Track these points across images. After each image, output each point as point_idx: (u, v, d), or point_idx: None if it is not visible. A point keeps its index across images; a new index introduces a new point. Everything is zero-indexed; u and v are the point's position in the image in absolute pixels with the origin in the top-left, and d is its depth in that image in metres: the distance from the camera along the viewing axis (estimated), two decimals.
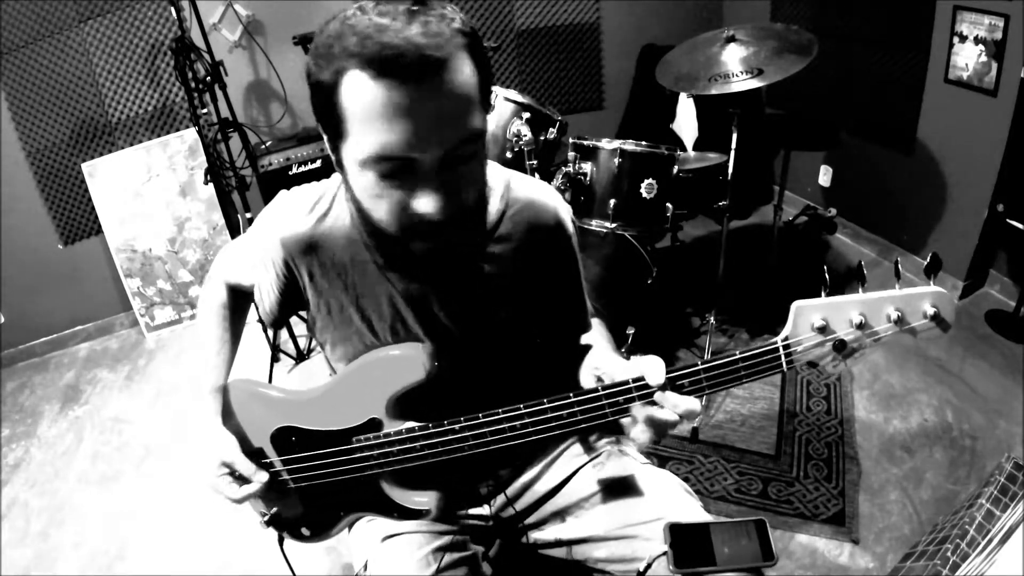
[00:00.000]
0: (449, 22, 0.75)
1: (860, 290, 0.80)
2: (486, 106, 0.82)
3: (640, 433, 0.89)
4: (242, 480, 1.06)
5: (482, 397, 0.97)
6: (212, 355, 1.12)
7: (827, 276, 0.83)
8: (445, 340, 1.02)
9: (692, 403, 0.85)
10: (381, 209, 0.82)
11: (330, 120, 0.79)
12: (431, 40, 0.72)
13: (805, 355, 0.82)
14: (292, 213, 0.98)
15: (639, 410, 0.87)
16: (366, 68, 0.72)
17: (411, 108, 0.73)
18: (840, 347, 0.81)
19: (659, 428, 0.87)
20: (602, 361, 0.97)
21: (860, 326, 0.79)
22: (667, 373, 0.85)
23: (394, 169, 0.77)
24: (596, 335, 1.16)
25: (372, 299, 0.99)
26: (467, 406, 0.96)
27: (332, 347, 1.06)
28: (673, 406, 0.85)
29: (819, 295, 0.81)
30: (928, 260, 0.79)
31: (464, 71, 0.76)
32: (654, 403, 0.86)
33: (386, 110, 0.73)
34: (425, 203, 0.78)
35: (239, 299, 1.16)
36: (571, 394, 0.90)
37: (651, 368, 0.85)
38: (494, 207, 0.99)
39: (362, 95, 0.73)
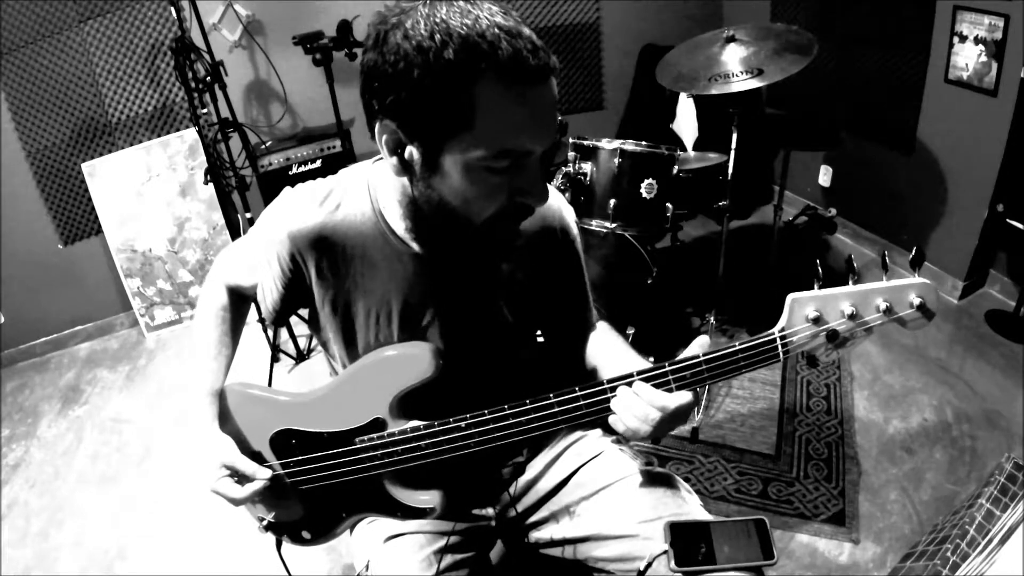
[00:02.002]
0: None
1: (851, 283, 0.85)
2: None
3: (621, 425, 0.92)
4: (244, 480, 1.05)
5: (486, 395, 0.97)
6: (210, 359, 1.12)
7: (820, 269, 0.88)
8: (453, 336, 1.02)
9: (664, 400, 0.89)
10: (478, 204, 0.84)
11: (444, 121, 0.77)
12: (540, 40, 0.77)
13: (800, 345, 0.86)
14: (301, 206, 0.97)
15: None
16: (507, 72, 0.74)
17: (540, 105, 0.78)
18: (833, 337, 0.85)
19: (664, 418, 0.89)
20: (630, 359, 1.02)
21: (851, 316, 0.84)
22: (669, 365, 0.89)
23: (509, 164, 0.80)
24: (614, 338, 1.16)
25: (381, 293, 0.99)
26: (471, 404, 0.96)
27: (334, 344, 1.06)
28: (645, 400, 0.89)
29: (812, 289, 0.85)
30: (912, 253, 0.84)
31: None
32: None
33: (522, 108, 0.77)
34: (532, 194, 0.85)
35: (239, 302, 1.16)
36: (577, 388, 0.91)
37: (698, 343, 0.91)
38: None
39: (501, 97, 0.75)
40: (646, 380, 0.90)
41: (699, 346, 0.91)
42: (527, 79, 0.75)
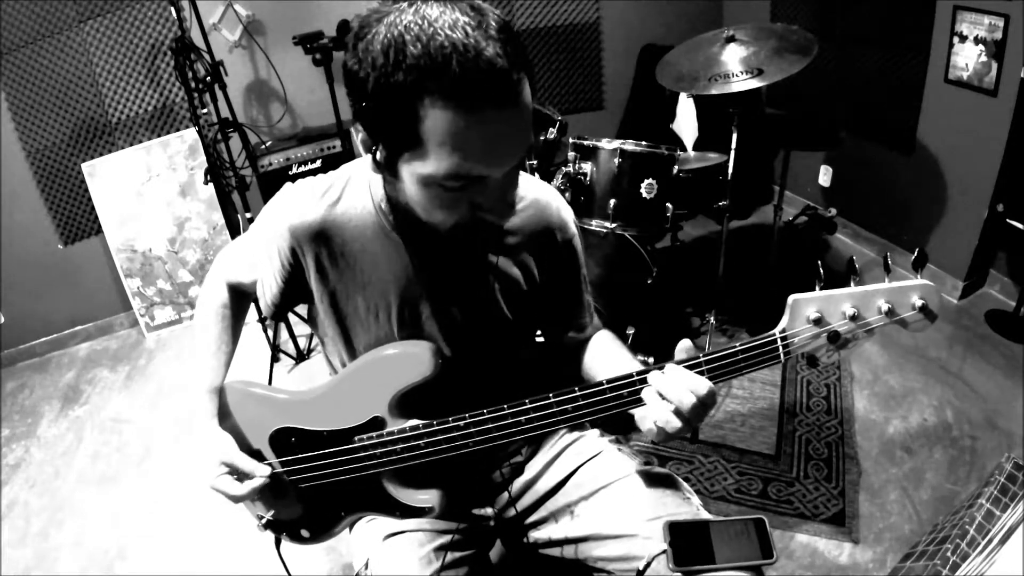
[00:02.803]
0: (513, 34, 0.73)
1: (853, 284, 0.84)
2: None
3: (653, 416, 0.87)
4: (243, 478, 1.05)
5: (485, 394, 0.97)
6: (210, 356, 1.12)
7: (821, 270, 0.87)
8: (452, 333, 1.02)
9: (698, 381, 0.86)
10: (438, 214, 0.84)
11: (394, 136, 0.77)
12: (509, 61, 0.71)
13: (802, 346, 0.86)
14: (302, 200, 0.97)
15: (649, 393, 0.88)
16: (453, 96, 0.70)
17: (494, 131, 0.74)
18: (834, 338, 0.85)
19: (671, 411, 0.86)
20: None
21: (853, 318, 0.84)
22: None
23: (463, 184, 0.78)
24: (615, 346, 1.16)
25: (380, 289, 0.99)
26: (470, 403, 0.96)
27: (334, 341, 1.06)
28: (679, 381, 0.86)
29: (815, 290, 0.85)
30: (915, 255, 0.84)
31: (528, 87, 0.76)
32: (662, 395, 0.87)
33: (472, 135, 0.73)
34: (492, 211, 0.83)
35: (239, 299, 1.16)
36: (576, 388, 0.90)
37: (682, 346, 0.90)
38: None
39: (447, 122, 0.72)
40: (642, 378, 0.89)
41: (683, 351, 0.90)
42: (478, 104, 0.71)
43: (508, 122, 0.74)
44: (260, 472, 1.05)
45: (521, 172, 1.05)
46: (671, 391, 0.86)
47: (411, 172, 0.79)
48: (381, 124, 0.77)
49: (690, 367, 0.87)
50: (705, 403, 0.86)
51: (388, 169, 0.82)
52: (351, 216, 0.96)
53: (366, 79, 0.73)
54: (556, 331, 1.17)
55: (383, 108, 0.75)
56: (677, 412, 0.86)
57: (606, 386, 0.90)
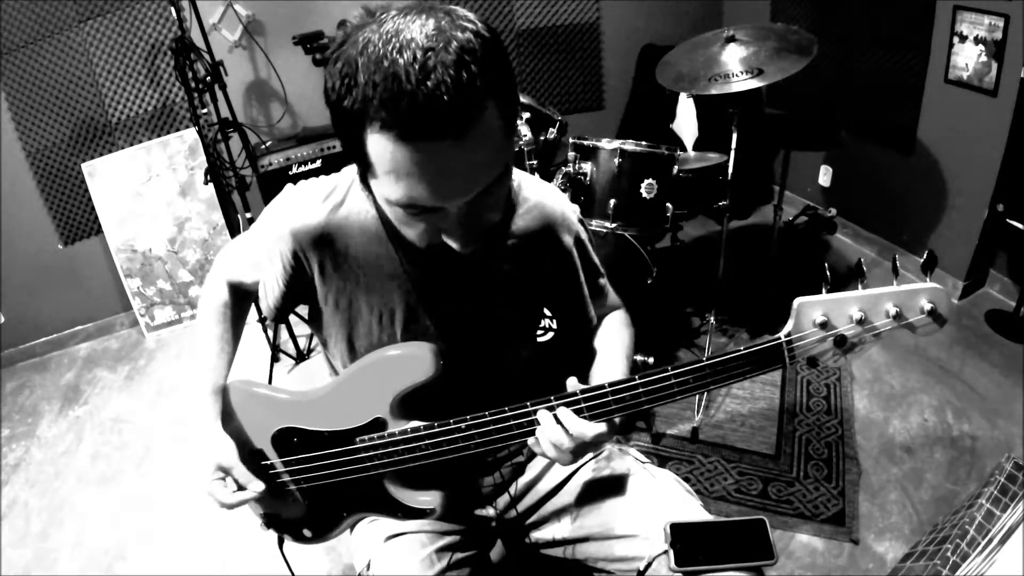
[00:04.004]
0: (478, 58, 0.68)
1: (860, 287, 0.82)
2: (511, 136, 0.79)
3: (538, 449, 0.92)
4: (237, 486, 1.05)
5: (488, 395, 0.97)
6: (212, 356, 1.11)
7: (828, 273, 0.84)
8: (455, 336, 1.02)
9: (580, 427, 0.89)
10: (408, 232, 0.83)
11: (354, 153, 0.76)
12: (458, 91, 0.66)
13: (807, 350, 0.84)
14: (304, 203, 0.97)
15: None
16: (392, 127, 0.68)
17: (436, 165, 0.70)
18: (841, 342, 0.83)
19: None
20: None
21: (860, 322, 0.81)
22: (672, 370, 0.86)
23: (420, 211, 0.77)
24: (611, 339, 1.17)
25: (384, 292, 0.99)
26: (472, 404, 0.96)
27: (336, 343, 1.06)
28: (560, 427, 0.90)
29: (819, 293, 0.83)
30: (924, 257, 0.82)
31: (493, 119, 0.71)
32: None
33: (413, 168, 0.70)
34: (452, 240, 0.81)
35: (241, 298, 1.16)
36: (579, 391, 0.90)
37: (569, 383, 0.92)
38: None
39: (387, 151, 0.70)
40: (571, 403, 0.90)
41: (571, 385, 0.92)
42: (416, 136, 0.68)
43: (451, 155, 0.70)
44: (253, 487, 1.04)
45: (527, 174, 1.06)
46: (551, 435, 0.90)
47: (376, 190, 0.79)
48: (342, 143, 0.78)
49: (693, 372, 0.86)
50: (586, 444, 0.90)
51: (363, 182, 0.82)
52: (354, 220, 0.96)
53: (328, 98, 0.74)
54: (566, 327, 1.17)
55: (339, 129, 0.75)
56: (558, 449, 0.90)
57: (608, 390, 0.90)
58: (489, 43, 0.71)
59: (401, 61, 0.66)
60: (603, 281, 1.17)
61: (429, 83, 0.65)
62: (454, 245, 0.81)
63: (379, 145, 0.70)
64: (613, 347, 1.15)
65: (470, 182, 0.74)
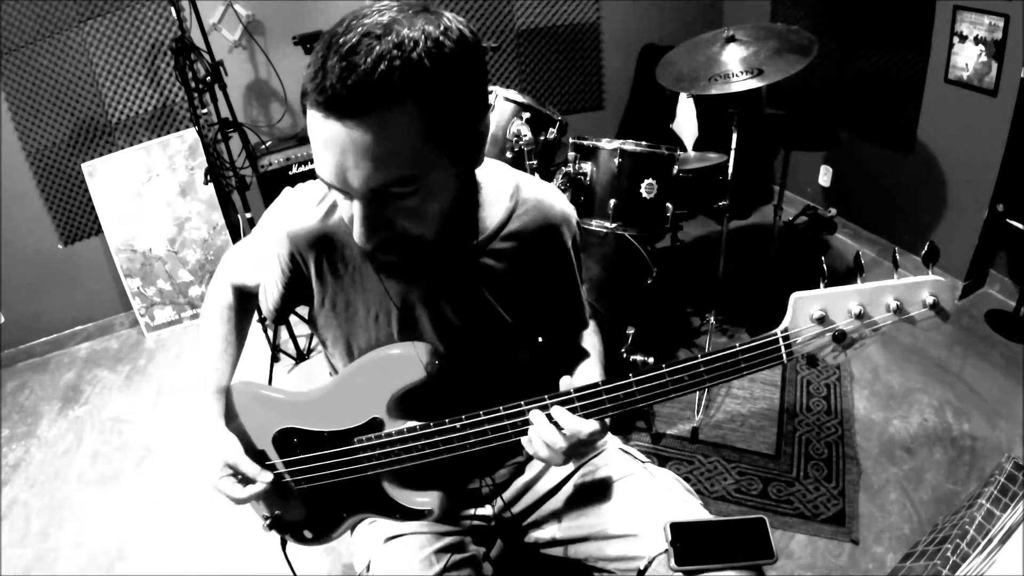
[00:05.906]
0: (408, 60, 0.70)
1: (859, 281, 0.80)
2: (437, 150, 0.78)
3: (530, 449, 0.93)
4: (246, 481, 1.06)
5: (483, 395, 0.97)
6: (216, 357, 1.12)
7: (824, 267, 0.83)
8: (451, 336, 1.02)
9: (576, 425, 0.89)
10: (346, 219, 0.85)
11: None
12: (370, 80, 0.69)
13: (805, 346, 0.82)
14: (300, 207, 0.98)
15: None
16: (312, 100, 0.72)
17: (342, 145, 0.73)
18: (840, 338, 0.81)
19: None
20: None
21: (859, 316, 0.79)
22: (667, 367, 0.86)
23: (337, 192, 0.80)
24: (594, 346, 1.17)
25: (379, 294, 0.99)
26: (469, 404, 0.96)
27: (335, 343, 1.06)
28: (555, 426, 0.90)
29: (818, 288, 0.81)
30: (925, 249, 0.79)
31: (406, 117, 0.73)
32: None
33: (323, 144, 0.74)
34: (355, 231, 0.81)
35: (244, 300, 1.16)
36: (572, 389, 0.90)
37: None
38: (503, 207, 1.00)
39: (312, 125, 0.75)
40: (568, 402, 0.90)
41: (565, 384, 0.92)
42: (325, 109, 0.72)
43: (353, 137, 0.72)
44: (261, 479, 1.05)
45: (527, 175, 1.06)
46: (545, 434, 0.90)
47: None
48: None
49: (687, 369, 0.86)
50: (580, 443, 0.90)
51: None
52: (345, 224, 0.96)
53: None
54: (557, 330, 1.17)
55: None
56: (551, 450, 0.90)
57: (601, 388, 0.90)
58: (446, 53, 0.73)
59: (342, 41, 0.71)
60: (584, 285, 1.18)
61: (346, 62, 0.69)
62: (354, 235, 0.81)
63: (310, 120, 0.75)
64: (595, 350, 1.15)
65: (366, 170, 0.74)
